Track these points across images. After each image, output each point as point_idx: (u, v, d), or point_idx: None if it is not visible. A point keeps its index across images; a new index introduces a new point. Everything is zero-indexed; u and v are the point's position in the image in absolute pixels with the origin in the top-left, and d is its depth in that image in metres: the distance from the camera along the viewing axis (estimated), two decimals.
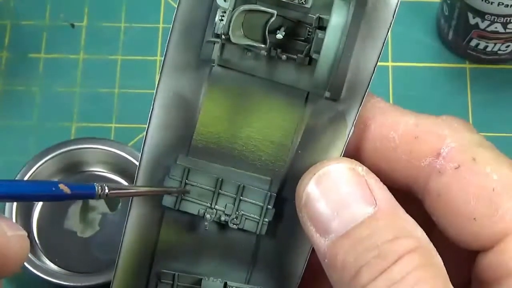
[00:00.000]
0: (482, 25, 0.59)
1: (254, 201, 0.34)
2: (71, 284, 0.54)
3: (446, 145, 0.33)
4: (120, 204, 0.58)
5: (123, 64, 0.64)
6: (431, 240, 0.32)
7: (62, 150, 0.57)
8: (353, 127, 0.33)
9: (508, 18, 0.57)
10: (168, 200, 0.34)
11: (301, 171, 0.33)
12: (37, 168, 0.56)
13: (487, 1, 0.56)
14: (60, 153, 0.57)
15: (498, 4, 0.56)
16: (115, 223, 0.57)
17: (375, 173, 0.34)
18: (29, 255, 0.54)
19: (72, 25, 0.65)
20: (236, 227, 0.34)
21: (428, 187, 0.33)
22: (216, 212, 0.34)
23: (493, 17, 0.57)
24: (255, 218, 0.34)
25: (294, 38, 0.33)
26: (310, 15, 0.32)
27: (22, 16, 0.65)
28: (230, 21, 0.31)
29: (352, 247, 0.30)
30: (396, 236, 0.30)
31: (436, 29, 0.65)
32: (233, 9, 0.31)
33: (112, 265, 0.55)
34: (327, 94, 0.32)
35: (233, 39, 0.32)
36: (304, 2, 0.32)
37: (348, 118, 0.33)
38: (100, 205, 0.58)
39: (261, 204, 0.34)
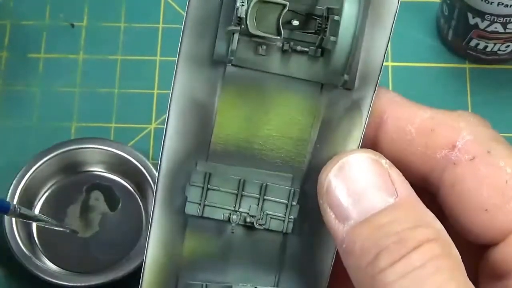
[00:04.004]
0: (482, 25, 0.59)
1: (278, 199, 0.33)
2: (71, 284, 0.54)
3: (461, 138, 0.33)
4: (120, 204, 0.58)
5: (123, 64, 0.64)
6: None
7: (62, 150, 0.57)
8: (368, 116, 0.33)
9: (508, 18, 0.57)
10: (191, 208, 0.33)
11: (321, 164, 0.33)
12: (37, 168, 0.56)
13: (487, 1, 0.56)
14: (60, 153, 0.57)
15: (498, 4, 0.56)
16: (115, 223, 0.57)
17: None
18: (29, 255, 0.54)
19: (72, 25, 0.65)
20: (262, 228, 0.33)
21: (443, 178, 0.33)
22: (241, 214, 0.33)
23: (493, 17, 0.57)
24: (280, 216, 0.33)
25: (305, 32, 0.33)
26: (318, 7, 0.33)
27: (22, 16, 0.65)
28: (247, 11, 0.31)
29: (371, 233, 0.30)
30: (416, 225, 0.30)
31: (436, 29, 0.65)
32: None
33: (112, 265, 0.55)
34: (346, 77, 0.32)
35: (251, 30, 0.31)
36: None
37: (363, 107, 0.33)
38: (100, 205, 0.58)
39: (285, 201, 0.33)
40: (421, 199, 0.32)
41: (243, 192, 0.33)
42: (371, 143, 0.35)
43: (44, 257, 0.56)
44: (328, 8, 0.32)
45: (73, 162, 0.58)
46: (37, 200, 0.57)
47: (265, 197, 0.33)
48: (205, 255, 0.34)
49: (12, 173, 0.56)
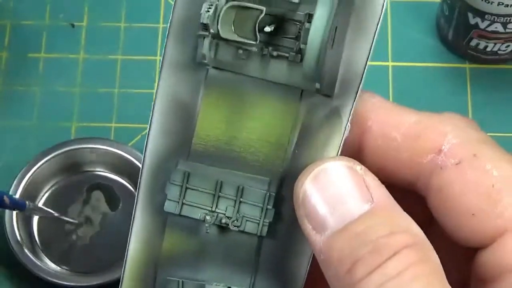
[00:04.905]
0: (482, 25, 0.59)
1: (254, 202, 0.34)
2: (71, 284, 0.54)
3: (447, 142, 0.33)
4: (121, 204, 0.58)
5: (123, 64, 0.64)
6: (431, 238, 0.31)
7: (62, 150, 0.57)
8: (348, 123, 0.33)
9: (508, 18, 0.57)
10: (170, 206, 0.34)
11: (299, 169, 0.33)
12: (37, 168, 0.56)
13: (487, 1, 0.56)
14: (60, 153, 0.57)
15: (498, 4, 0.56)
16: (115, 223, 0.57)
17: (378, 172, 0.34)
18: (29, 255, 0.54)
19: (72, 25, 0.65)
20: (237, 229, 0.34)
21: (430, 183, 0.33)
22: (217, 215, 0.34)
23: (493, 17, 0.57)
24: (255, 219, 0.34)
25: (285, 36, 0.33)
26: (299, 12, 0.33)
27: (22, 16, 0.65)
28: (218, 16, 0.31)
29: (347, 242, 0.30)
30: (392, 231, 0.30)
31: (436, 29, 0.65)
32: (224, 2, 0.32)
33: (112, 265, 0.55)
34: (317, 85, 0.32)
35: (222, 34, 0.32)
36: None
37: (343, 114, 0.33)
38: (101, 205, 0.58)
39: (261, 205, 0.34)
40: (411, 203, 0.32)
41: (220, 193, 0.34)
42: (356, 150, 0.34)
43: (44, 257, 0.56)
44: (308, 14, 0.32)
45: (74, 162, 0.58)
46: (38, 200, 0.57)
47: (241, 199, 0.34)
48: (183, 252, 0.34)
49: (12, 173, 0.56)
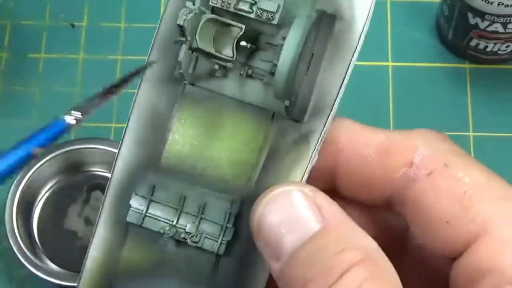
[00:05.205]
0: (482, 25, 0.59)
1: (214, 220, 0.34)
2: (71, 284, 0.54)
3: (418, 154, 0.33)
4: None
5: (123, 64, 0.64)
6: (411, 253, 0.32)
7: (62, 150, 0.57)
8: (316, 152, 0.33)
9: (508, 18, 0.57)
10: (132, 216, 0.34)
11: (263, 192, 0.33)
12: (37, 168, 0.56)
13: (487, 1, 0.56)
14: (60, 153, 0.57)
15: (498, 4, 0.56)
16: None
17: (354, 193, 0.34)
18: (29, 255, 0.54)
19: (72, 25, 0.65)
20: (195, 245, 0.34)
21: (404, 197, 0.33)
22: (177, 229, 0.34)
23: (493, 17, 0.57)
24: (214, 237, 0.34)
25: (262, 59, 0.34)
26: (278, 36, 0.33)
27: (22, 16, 0.65)
28: (197, 28, 0.32)
29: (299, 265, 0.30)
30: (341, 249, 0.30)
31: (436, 29, 0.65)
32: (200, 12, 0.32)
33: None
34: (286, 103, 0.32)
35: (199, 44, 0.32)
36: (271, 19, 0.33)
37: (311, 141, 0.33)
38: (101, 205, 0.58)
39: (221, 223, 0.34)
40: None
41: (183, 209, 0.34)
42: (330, 173, 0.35)
43: (44, 257, 0.56)
44: (284, 38, 0.32)
45: (74, 162, 0.58)
46: (38, 200, 0.57)
47: (202, 216, 0.34)
48: (141, 265, 0.35)
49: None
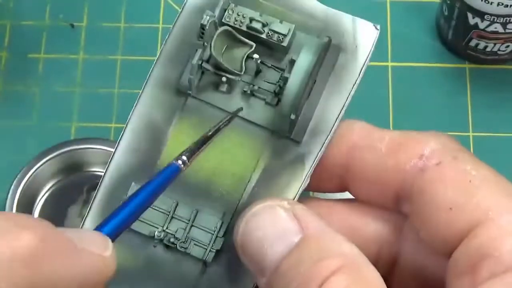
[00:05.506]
0: (482, 25, 0.59)
1: (205, 228, 0.35)
2: None
3: (429, 147, 0.34)
4: None
5: (123, 64, 0.64)
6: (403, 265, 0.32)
7: (62, 150, 0.57)
8: (310, 171, 0.34)
9: (508, 18, 0.57)
10: None
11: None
12: (37, 168, 0.56)
13: (486, 1, 0.56)
14: (60, 153, 0.57)
15: (498, 4, 0.56)
16: None
17: (365, 190, 0.35)
18: None
19: (72, 25, 0.65)
20: (183, 251, 0.34)
21: (413, 189, 0.34)
22: (167, 234, 0.34)
23: (492, 17, 0.57)
24: (204, 244, 0.34)
25: (266, 81, 0.35)
26: (284, 61, 0.35)
27: (22, 16, 0.65)
28: (213, 36, 0.34)
29: (281, 279, 0.30)
30: (320, 257, 0.30)
31: (436, 29, 0.65)
32: (216, 23, 0.34)
33: None
34: (292, 116, 0.34)
35: (213, 53, 0.33)
36: (281, 41, 0.34)
37: (306, 162, 0.35)
38: None
39: (212, 232, 0.34)
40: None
41: (174, 214, 0.35)
42: (342, 170, 0.35)
43: None
44: (291, 61, 0.34)
45: (74, 162, 0.58)
46: (38, 200, 0.57)
47: (193, 223, 0.35)
48: (129, 268, 0.35)
49: (12, 173, 0.56)
